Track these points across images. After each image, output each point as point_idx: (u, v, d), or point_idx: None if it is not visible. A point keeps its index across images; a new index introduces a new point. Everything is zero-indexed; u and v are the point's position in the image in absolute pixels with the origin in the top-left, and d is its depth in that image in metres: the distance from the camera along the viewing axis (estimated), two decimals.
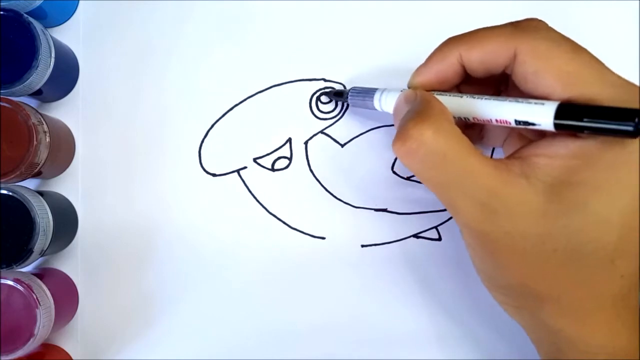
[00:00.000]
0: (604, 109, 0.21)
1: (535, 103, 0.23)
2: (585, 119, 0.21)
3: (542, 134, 0.25)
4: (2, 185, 0.30)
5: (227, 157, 0.35)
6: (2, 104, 0.30)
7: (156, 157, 0.35)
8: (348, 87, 0.35)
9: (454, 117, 0.26)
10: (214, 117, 0.35)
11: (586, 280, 0.23)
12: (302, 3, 0.36)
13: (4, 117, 0.30)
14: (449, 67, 0.26)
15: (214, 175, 0.35)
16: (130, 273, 0.35)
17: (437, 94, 0.26)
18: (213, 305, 0.35)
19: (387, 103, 0.29)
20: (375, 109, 0.30)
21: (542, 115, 0.23)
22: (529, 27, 0.24)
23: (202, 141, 0.35)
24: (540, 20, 0.25)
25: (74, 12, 0.36)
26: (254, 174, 0.35)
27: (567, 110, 0.22)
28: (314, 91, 0.35)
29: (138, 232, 0.35)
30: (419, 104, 0.25)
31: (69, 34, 0.36)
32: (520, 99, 0.24)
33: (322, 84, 0.35)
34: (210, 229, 0.35)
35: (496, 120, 0.24)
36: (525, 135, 0.28)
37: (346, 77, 0.35)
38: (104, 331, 0.35)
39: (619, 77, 0.23)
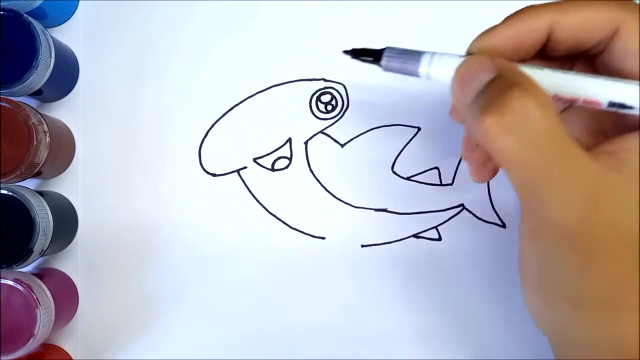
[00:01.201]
0: None
1: (636, 83, 0.20)
2: None
3: (621, 129, 0.22)
4: (2, 185, 0.30)
5: (227, 157, 0.35)
6: (2, 104, 0.30)
7: (156, 157, 0.35)
8: (348, 86, 0.34)
9: None
10: (214, 117, 0.35)
11: None
12: (302, 3, 0.36)
13: (4, 117, 0.30)
14: (533, 33, 0.22)
15: (214, 175, 0.35)
16: (130, 273, 0.35)
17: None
18: (213, 305, 0.35)
19: (441, 69, 0.23)
20: (419, 76, 0.24)
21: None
22: (632, 2, 0.22)
23: (202, 141, 0.35)
24: None
25: (74, 12, 0.36)
26: (254, 174, 0.35)
27: None
28: (314, 91, 0.35)
29: (138, 232, 0.35)
30: (509, 72, 0.21)
31: (69, 34, 0.36)
32: (616, 78, 0.21)
33: (322, 84, 0.35)
34: (210, 229, 0.35)
35: (584, 101, 0.21)
36: (600, 131, 0.25)
37: (346, 77, 0.35)
38: (104, 331, 0.35)
39: None
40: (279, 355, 0.34)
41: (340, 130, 0.35)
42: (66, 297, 0.34)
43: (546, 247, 0.21)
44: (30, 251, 0.30)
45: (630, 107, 0.21)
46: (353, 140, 0.35)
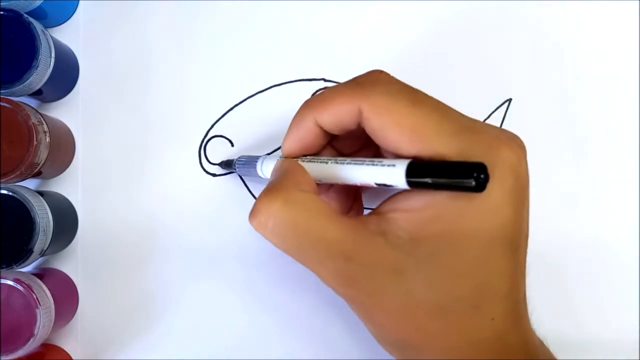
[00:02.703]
0: (446, 165, 0.21)
1: (388, 165, 0.23)
2: (429, 178, 0.21)
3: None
4: (2, 185, 0.30)
5: (227, 157, 0.35)
6: (2, 104, 0.30)
7: (156, 157, 0.35)
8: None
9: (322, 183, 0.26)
10: (214, 117, 0.35)
11: (457, 329, 0.23)
12: (303, 3, 0.36)
13: (4, 117, 0.30)
14: (308, 132, 0.26)
15: (214, 175, 0.35)
16: (130, 273, 0.35)
17: (307, 160, 0.26)
18: (213, 305, 0.35)
19: (267, 171, 0.29)
20: (261, 176, 0.30)
21: (395, 177, 0.22)
22: (367, 83, 0.25)
23: (202, 141, 0.35)
24: (382, 72, 0.25)
25: (74, 12, 0.36)
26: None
27: (415, 170, 0.22)
28: (314, 91, 0.35)
29: (138, 231, 0.35)
30: (278, 175, 0.26)
31: (69, 34, 0.36)
32: (376, 161, 0.23)
33: (322, 84, 0.35)
34: (210, 229, 0.35)
35: (360, 184, 0.24)
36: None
37: (346, 77, 0.35)
38: (104, 331, 0.35)
39: (459, 123, 0.23)
40: (279, 355, 0.34)
41: None
42: (66, 297, 0.34)
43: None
44: (30, 251, 0.30)
45: (392, 186, 0.23)
46: None
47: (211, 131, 0.35)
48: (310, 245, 0.24)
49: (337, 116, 0.25)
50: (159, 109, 0.36)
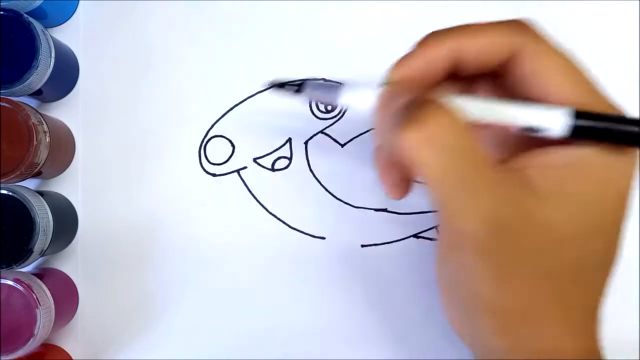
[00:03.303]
0: (617, 117, 0.21)
1: (547, 108, 0.22)
2: (601, 123, 0.21)
3: (527, 145, 0.23)
4: (2, 185, 0.30)
5: (226, 156, 0.35)
6: (2, 104, 0.30)
7: (156, 158, 0.35)
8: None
9: None
10: (214, 117, 0.35)
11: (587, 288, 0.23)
12: (303, 3, 0.36)
13: (4, 117, 0.30)
14: (439, 59, 0.23)
15: (214, 175, 0.35)
16: (130, 273, 0.35)
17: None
18: (213, 305, 0.35)
19: (361, 99, 0.24)
20: (338, 105, 0.27)
21: (558, 120, 0.21)
22: (529, 26, 0.23)
23: (202, 141, 0.35)
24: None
25: (74, 12, 0.36)
26: (254, 174, 0.35)
27: (583, 115, 0.21)
28: None
29: (138, 232, 0.35)
30: (423, 94, 0.22)
31: (69, 34, 0.36)
32: (528, 103, 0.22)
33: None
34: (210, 229, 0.35)
35: (499, 126, 0.23)
36: (510, 144, 0.26)
37: (346, 77, 0.35)
38: (104, 331, 0.35)
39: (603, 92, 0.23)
40: (279, 355, 0.34)
41: (340, 130, 0.35)
42: (66, 297, 0.34)
43: (460, 258, 0.22)
44: (30, 251, 0.30)
45: (537, 131, 0.22)
46: (353, 140, 0.35)
47: (211, 131, 0.35)
48: (474, 177, 0.21)
49: (485, 48, 0.23)
50: (159, 109, 0.36)
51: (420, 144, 0.21)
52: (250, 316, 0.35)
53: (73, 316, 0.35)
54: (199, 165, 0.35)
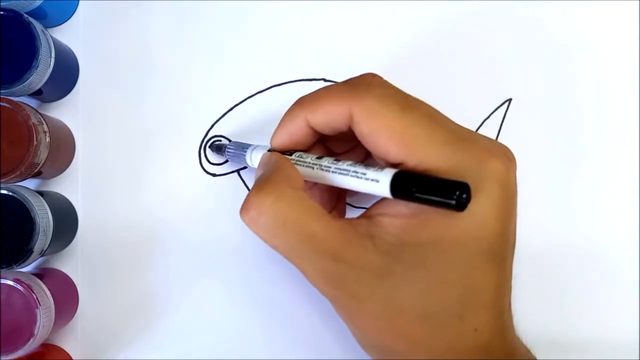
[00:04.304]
0: (429, 181, 0.21)
1: (372, 180, 0.23)
2: (414, 191, 0.21)
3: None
4: (2, 185, 0.30)
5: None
6: (2, 104, 0.30)
7: (156, 157, 0.35)
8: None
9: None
10: (214, 117, 0.35)
11: (441, 338, 0.23)
12: (303, 3, 0.36)
13: (4, 117, 0.30)
14: (299, 129, 0.26)
15: (214, 175, 0.35)
16: (130, 273, 0.35)
17: (294, 160, 0.26)
18: (213, 305, 0.35)
19: (256, 161, 0.29)
20: (249, 165, 0.30)
21: (380, 189, 0.23)
22: (361, 85, 0.25)
23: (202, 141, 0.35)
24: (375, 76, 0.25)
25: (74, 12, 0.36)
26: (254, 174, 0.35)
27: (400, 182, 0.22)
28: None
29: (138, 232, 0.35)
30: (269, 169, 0.25)
31: (69, 34, 0.36)
32: (360, 172, 0.23)
33: (322, 84, 0.35)
34: (210, 229, 0.35)
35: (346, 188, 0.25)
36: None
37: (346, 77, 0.35)
38: (104, 331, 0.35)
39: (449, 132, 0.23)
40: (280, 354, 0.34)
41: None
42: (66, 297, 0.34)
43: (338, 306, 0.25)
44: (30, 251, 0.30)
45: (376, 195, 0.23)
46: None
47: (211, 131, 0.35)
48: (300, 243, 0.24)
49: (328, 117, 0.25)
50: (159, 109, 0.36)
51: (248, 224, 0.24)
52: (250, 316, 0.35)
53: (73, 316, 0.34)
54: (199, 165, 0.35)
